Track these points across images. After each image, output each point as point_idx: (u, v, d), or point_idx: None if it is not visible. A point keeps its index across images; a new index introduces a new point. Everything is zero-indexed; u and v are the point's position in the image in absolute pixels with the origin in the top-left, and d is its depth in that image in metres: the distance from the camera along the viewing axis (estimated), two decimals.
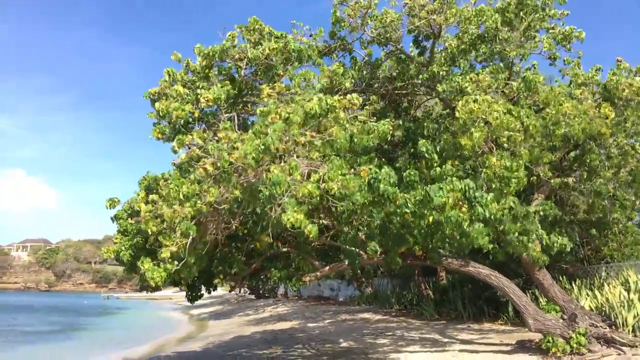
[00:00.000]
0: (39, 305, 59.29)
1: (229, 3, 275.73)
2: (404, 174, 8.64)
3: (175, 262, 7.98)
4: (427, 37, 13.00)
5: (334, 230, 9.64)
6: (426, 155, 9.41)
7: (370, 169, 7.99)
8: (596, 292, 12.84)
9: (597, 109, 9.99)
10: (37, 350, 22.18)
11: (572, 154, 11.98)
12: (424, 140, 9.68)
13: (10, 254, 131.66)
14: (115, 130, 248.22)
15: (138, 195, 9.50)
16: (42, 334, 28.49)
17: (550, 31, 12.47)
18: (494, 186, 8.57)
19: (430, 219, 7.84)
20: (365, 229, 8.83)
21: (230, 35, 10.43)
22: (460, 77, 10.63)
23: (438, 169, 8.95)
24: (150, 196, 8.22)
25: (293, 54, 10.18)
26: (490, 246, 8.28)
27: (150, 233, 8.08)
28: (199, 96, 9.46)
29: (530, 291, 13.90)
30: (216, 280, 11.49)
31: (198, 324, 32.62)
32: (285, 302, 36.23)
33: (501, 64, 11.65)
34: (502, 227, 8.37)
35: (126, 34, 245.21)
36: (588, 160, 11.00)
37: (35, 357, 19.89)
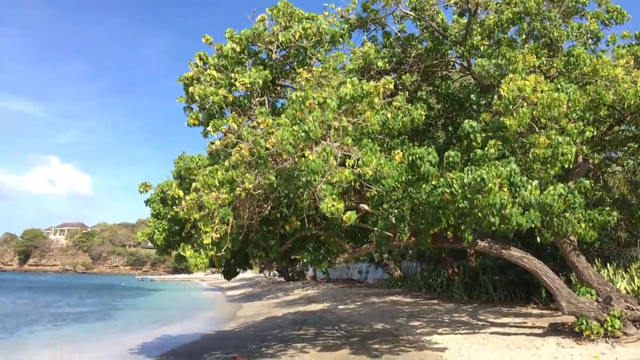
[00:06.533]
0: (79, 287, 61.65)
1: None
2: (445, 154, 8.50)
3: (215, 248, 8.20)
4: (463, 13, 12.73)
5: (364, 212, 9.65)
6: (470, 136, 8.94)
7: (412, 147, 7.93)
8: (633, 274, 12.55)
9: None
10: (80, 328, 23.07)
11: (616, 128, 11.46)
12: (469, 120, 9.14)
13: (48, 238, 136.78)
14: (147, 115, 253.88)
15: (171, 183, 9.69)
16: (84, 314, 29.62)
17: (597, 9, 11.94)
18: (535, 167, 8.30)
19: (475, 202, 7.73)
20: (397, 211, 8.78)
21: (260, 18, 10.39)
22: (511, 51, 10.00)
23: (479, 150, 8.67)
24: (193, 184, 8.29)
25: (325, 36, 10.12)
26: (526, 224, 7.86)
27: (191, 220, 8.25)
28: (232, 80, 9.50)
29: (564, 274, 13.69)
30: (251, 261, 11.69)
31: (230, 305, 33.33)
32: (314, 285, 36.62)
33: (541, 43, 11.23)
34: (548, 208, 8.12)
35: (156, 20, 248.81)
36: None
37: (78, 335, 20.68)
